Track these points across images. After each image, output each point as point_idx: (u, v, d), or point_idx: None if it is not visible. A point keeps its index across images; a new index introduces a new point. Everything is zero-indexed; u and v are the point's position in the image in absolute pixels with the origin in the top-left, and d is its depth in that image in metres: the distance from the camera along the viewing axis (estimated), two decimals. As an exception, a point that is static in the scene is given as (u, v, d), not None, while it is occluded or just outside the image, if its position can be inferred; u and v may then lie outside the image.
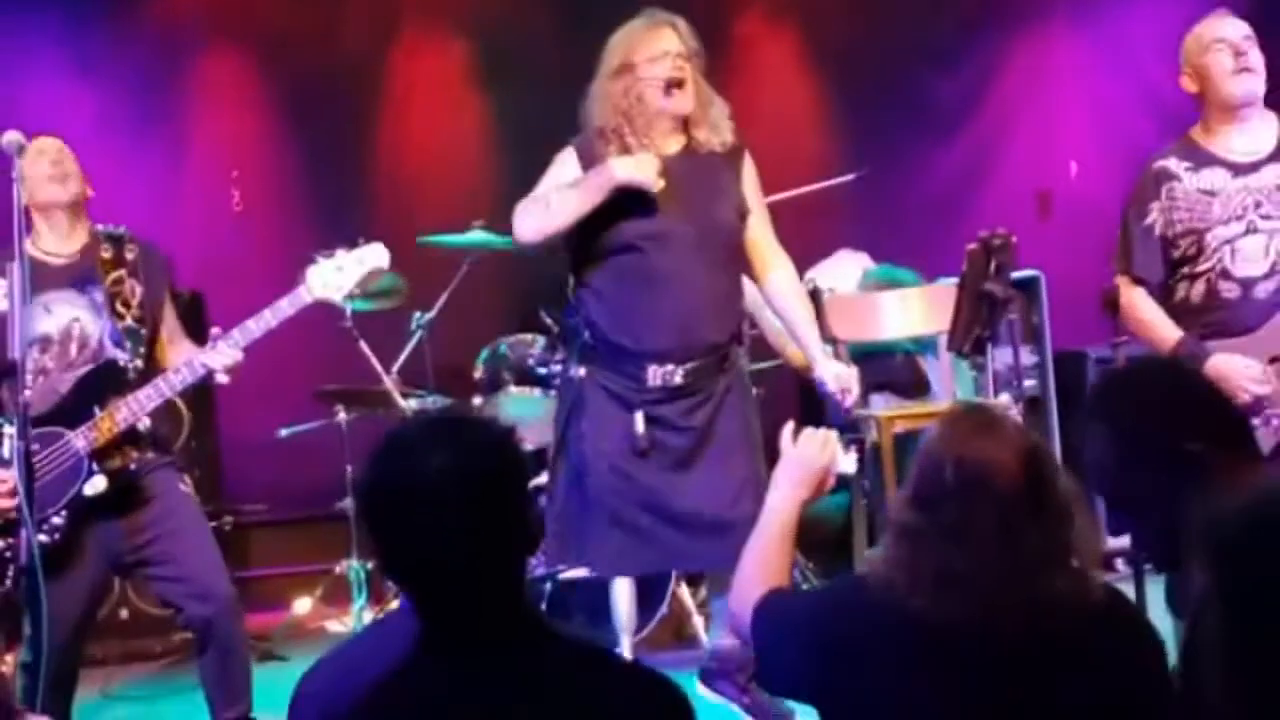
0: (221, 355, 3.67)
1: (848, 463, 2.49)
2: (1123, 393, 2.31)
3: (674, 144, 3.70)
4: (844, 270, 5.64)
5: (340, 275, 3.76)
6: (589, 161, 3.67)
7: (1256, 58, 3.66)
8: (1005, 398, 4.15)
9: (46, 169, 3.72)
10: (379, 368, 5.09)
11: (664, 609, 4.73)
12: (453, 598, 1.79)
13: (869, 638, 2.02)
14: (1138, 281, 3.72)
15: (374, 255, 3.80)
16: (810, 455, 2.38)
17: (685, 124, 3.71)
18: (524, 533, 1.83)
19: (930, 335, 5.11)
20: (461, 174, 6.37)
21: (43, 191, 3.72)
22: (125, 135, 6.25)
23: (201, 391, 5.60)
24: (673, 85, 3.64)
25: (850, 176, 5.52)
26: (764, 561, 2.37)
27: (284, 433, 5.37)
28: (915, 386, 5.31)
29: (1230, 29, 3.69)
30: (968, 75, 6.53)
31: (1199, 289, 3.67)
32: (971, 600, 1.95)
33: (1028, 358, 5.47)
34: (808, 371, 4.36)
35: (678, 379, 3.63)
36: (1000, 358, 5.00)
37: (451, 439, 1.80)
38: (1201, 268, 3.66)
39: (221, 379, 3.73)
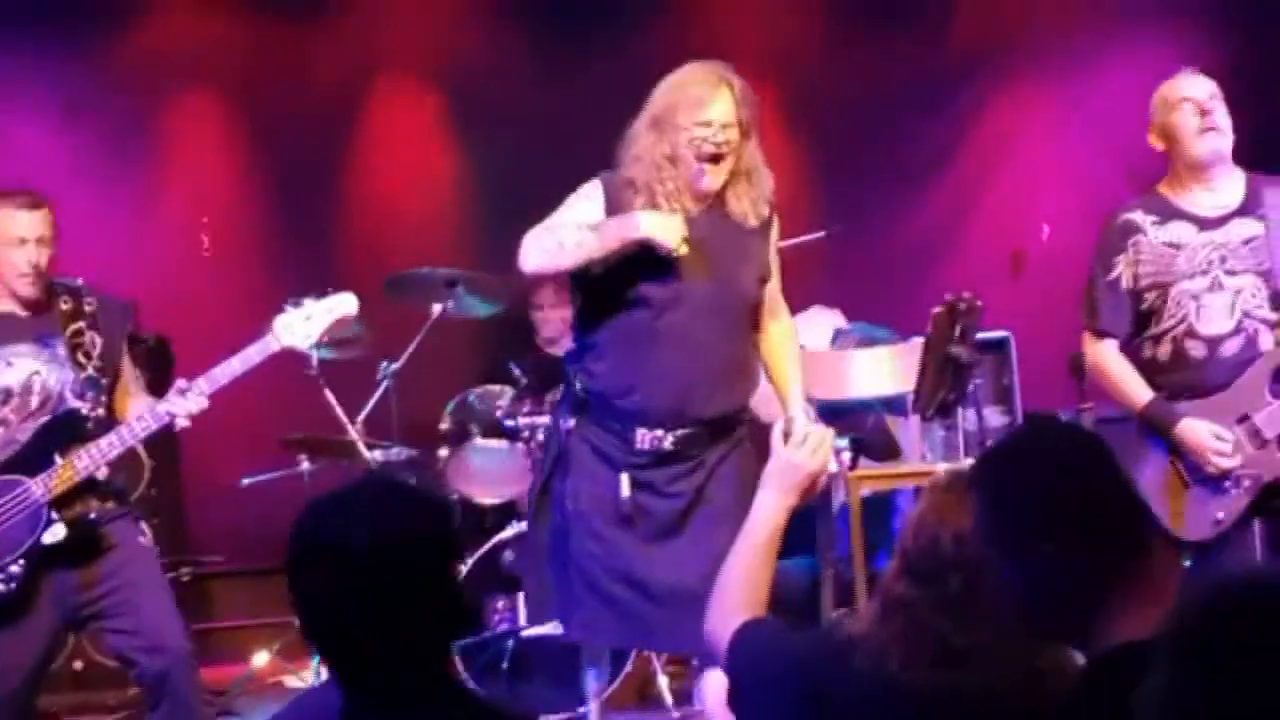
0: (186, 402, 3.65)
1: (832, 462, 2.42)
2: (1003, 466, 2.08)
3: (699, 207, 3.51)
4: (816, 327, 5.61)
5: (308, 324, 3.74)
6: (614, 202, 3.49)
7: (1222, 116, 3.68)
8: (969, 462, 4.11)
9: (23, 265, 3.69)
10: (344, 417, 5.03)
11: (628, 667, 4.67)
12: (372, 669, 1.73)
13: (856, 703, 1.96)
14: (1104, 335, 3.72)
15: (343, 304, 3.78)
16: (801, 460, 2.28)
17: (721, 189, 3.52)
18: (451, 608, 1.78)
19: (900, 395, 5.08)
20: (433, 222, 6.34)
21: (12, 280, 3.71)
22: (99, 178, 6.21)
23: (164, 438, 5.53)
24: (711, 159, 3.45)
25: (821, 234, 5.51)
26: (747, 572, 2.29)
27: (247, 481, 5.29)
28: (886, 448, 5.27)
29: (1196, 88, 3.71)
30: (941, 133, 6.53)
31: (1165, 349, 3.66)
32: (974, 676, 1.89)
33: (998, 419, 5.45)
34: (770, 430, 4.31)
35: (667, 445, 3.50)
36: (972, 419, 5.00)
37: (383, 507, 1.75)
38: (1166, 324, 3.65)
39: (183, 423, 3.69)
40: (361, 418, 5.11)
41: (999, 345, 5.50)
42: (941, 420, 4.29)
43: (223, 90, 6.30)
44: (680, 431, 3.50)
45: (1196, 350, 3.63)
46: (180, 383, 3.70)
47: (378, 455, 5.04)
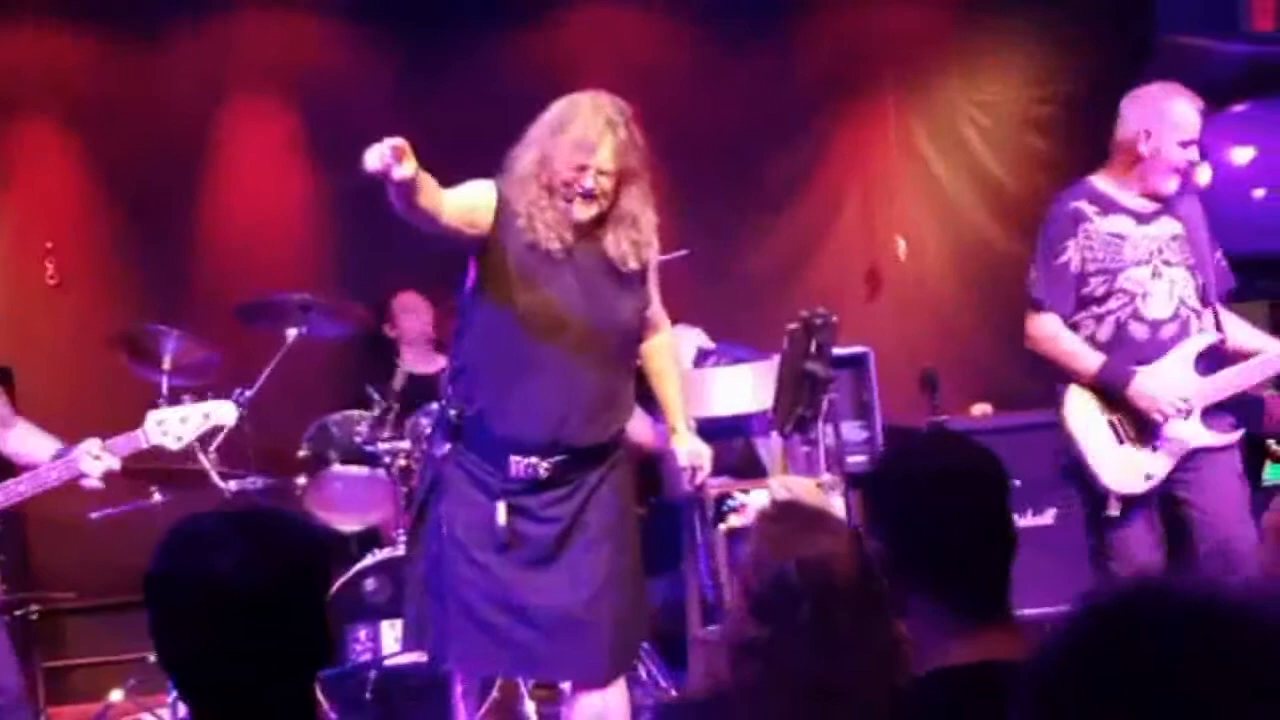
0: (101, 465, 3.62)
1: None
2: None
3: (576, 236, 3.49)
4: (680, 346, 5.62)
5: (182, 426, 3.72)
6: (504, 208, 3.46)
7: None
8: (827, 477, 4.16)
9: None
10: (196, 446, 4.89)
11: (494, 692, 4.62)
12: (232, 703, 1.68)
13: None
14: (1048, 311, 4.04)
15: (221, 413, 3.73)
16: None
17: (602, 227, 3.51)
18: (316, 640, 1.74)
19: (761, 413, 5.10)
20: (289, 245, 6.22)
21: None
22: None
23: (8, 472, 5.36)
24: (582, 197, 3.44)
25: (682, 253, 5.51)
26: None
27: (96, 515, 5.13)
28: (750, 465, 5.30)
29: (1197, 128, 4.01)
30: (798, 151, 6.59)
31: (1107, 328, 4.02)
32: (848, 706, 1.88)
33: (858, 433, 5.51)
34: (641, 450, 4.32)
35: (541, 471, 3.49)
36: (831, 435, 5.04)
37: (244, 537, 1.71)
38: (1110, 306, 4.00)
39: (94, 484, 3.67)
40: (215, 447, 4.97)
41: (858, 361, 5.57)
42: (802, 437, 4.32)
43: (66, 112, 6.10)
44: (555, 459, 3.49)
45: (1140, 332, 4.00)
46: (91, 445, 3.66)
47: (232, 485, 4.93)
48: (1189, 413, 3.97)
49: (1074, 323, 4.04)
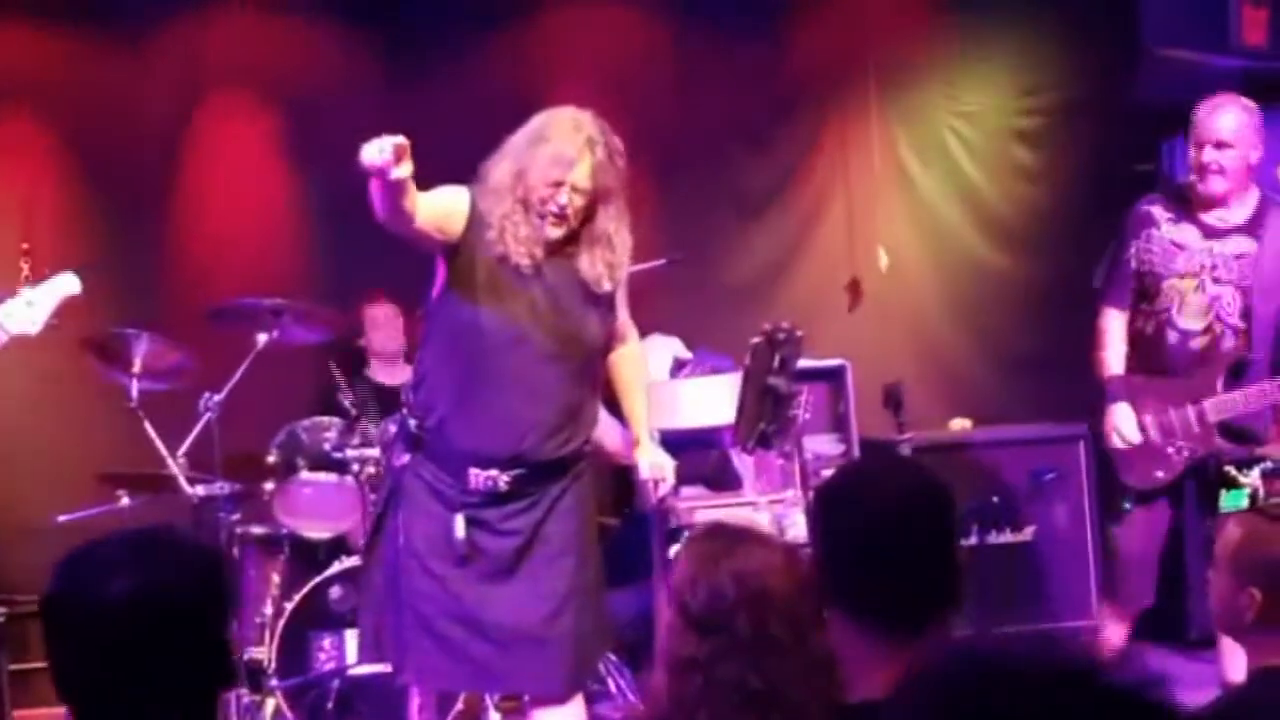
0: None
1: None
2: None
3: (546, 252, 3.44)
4: (655, 355, 5.58)
5: (31, 310, 3.69)
6: (477, 219, 3.42)
7: (1229, 158, 4.22)
8: (790, 493, 4.13)
9: None
10: (164, 451, 4.85)
11: (459, 704, 4.58)
12: None
13: None
14: (1111, 305, 4.42)
15: (64, 283, 3.73)
16: None
17: (575, 246, 3.47)
18: (213, 663, 1.71)
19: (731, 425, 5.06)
20: (261, 250, 6.17)
21: None
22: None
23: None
24: (555, 216, 3.40)
25: (660, 261, 5.48)
26: None
27: (63, 518, 5.08)
28: (726, 479, 5.25)
29: (1212, 130, 4.23)
30: (780, 159, 6.55)
31: (1151, 326, 4.39)
32: (787, 716, 1.86)
33: (834, 447, 5.47)
34: (614, 459, 4.28)
35: (501, 484, 3.45)
36: (811, 447, 5.01)
37: (141, 560, 1.68)
38: (1156, 307, 4.36)
39: None
40: (183, 451, 4.93)
41: (834, 374, 5.53)
42: (769, 452, 4.29)
43: (43, 111, 6.05)
44: (515, 472, 3.46)
45: (1172, 338, 4.35)
46: None
47: (200, 490, 4.88)
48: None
49: (1131, 314, 4.41)
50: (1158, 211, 4.36)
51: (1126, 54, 5.99)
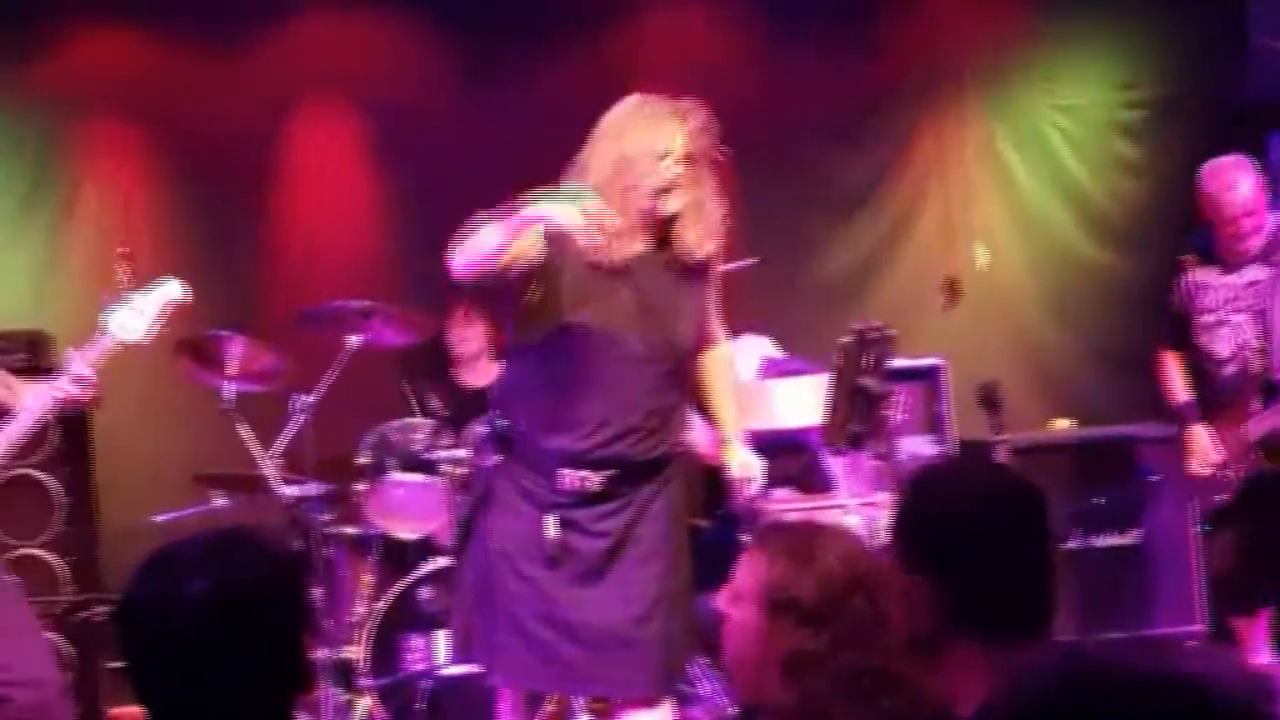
0: (68, 380, 3.62)
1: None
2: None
3: (647, 244, 3.41)
4: (745, 356, 5.52)
5: (141, 317, 3.75)
6: (554, 232, 3.36)
7: (1251, 223, 4.52)
8: (880, 496, 4.04)
9: None
10: (257, 452, 4.89)
11: (548, 706, 4.55)
12: None
13: None
14: (1165, 348, 4.76)
15: (169, 290, 3.78)
16: None
17: (671, 224, 3.44)
18: (288, 669, 1.68)
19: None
20: (354, 250, 6.22)
21: None
22: (10, 209, 6.09)
23: (79, 476, 5.42)
24: (666, 190, 3.38)
25: (751, 261, 5.41)
26: None
27: (160, 519, 5.15)
28: (818, 481, 5.18)
29: (1234, 203, 4.50)
30: (873, 157, 6.46)
31: (1194, 360, 4.71)
32: (909, 695, 1.83)
33: (930, 448, 5.37)
34: (706, 461, 4.24)
35: (593, 485, 3.42)
36: (906, 448, 4.93)
37: (218, 562, 1.67)
38: (1199, 342, 4.67)
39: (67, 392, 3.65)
40: (276, 452, 4.96)
41: (929, 373, 5.43)
42: (861, 452, 4.21)
43: (137, 119, 6.15)
44: (607, 473, 3.42)
45: (1210, 367, 4.67)
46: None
47: (293, 490, 4.91)
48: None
49: (1180, 353, 4.76)
50: (1190, 259, 4.71)
51: (1231, 46, 5.84)
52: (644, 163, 3.36)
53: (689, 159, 3.40)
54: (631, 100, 3.48)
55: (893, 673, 1.85)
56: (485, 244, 3.28)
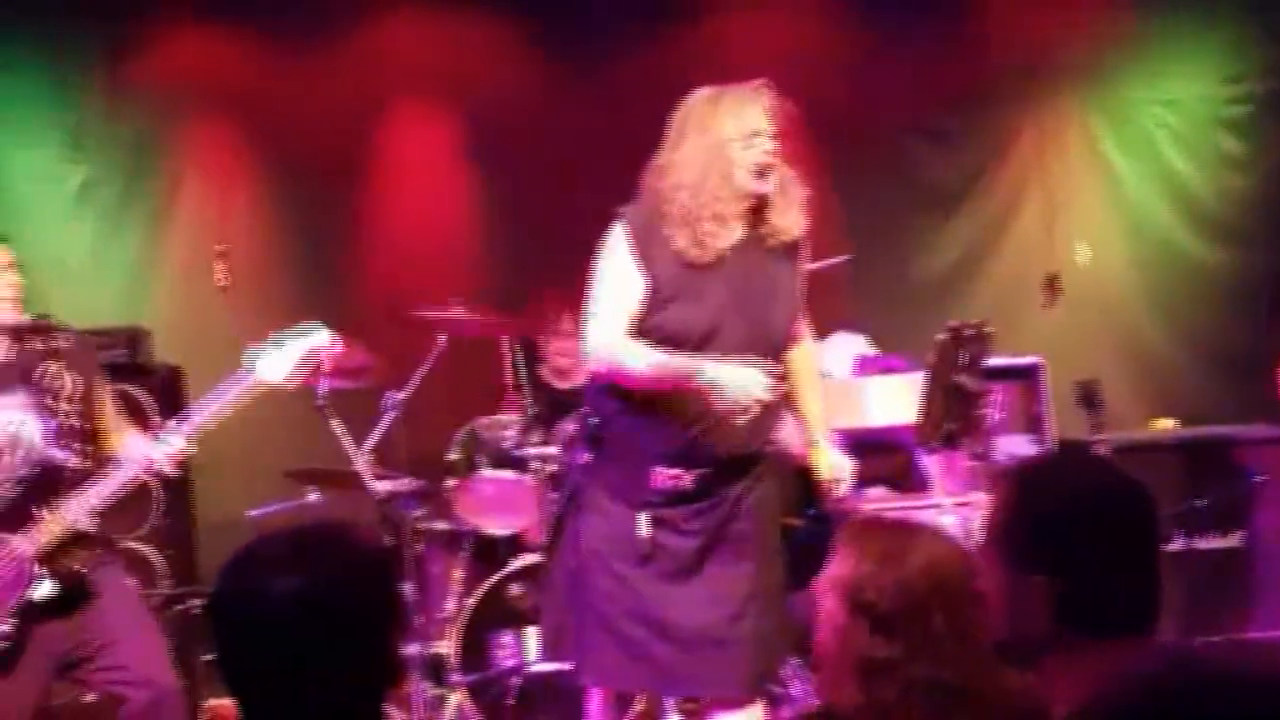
0: (167, 447, 3.58)
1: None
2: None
3: (742, 230, 3.39)
4: (839, 353, 5.47)
5: (287, 363, 3.68)
6: (643, 244, 3.35)
7: None
8: (975, 495, 3.96)
9: (5, 289, 3.62)
10: (350, 448, 4.91)
11: (638, 705, 4.53)
12: None
13: None
14: None
15: (318, 339, 3.68)
16: None
17: (761, 205, 3.42)
18: (377, 664, 1.67)
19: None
20: (445, 249, 6.24)
21: None
22: (109, 205, 6.19)
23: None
24: (765, 169, 3.36)
25: (843, 258, 5.34)
26: None
27: (254, 513, 5.20)
28: (906, 479, 5.11)
29: None
30: (972, 154, 6.39)
31: None
32: (988, 708, 1.79)
33: (1028, 447, 5.28)
34: (794, 459, 4.18)
35: (686, 483, 3.38)
36: (1004, 448, 4.83)
37: (306, 558, 1.66)
38: None
39: (163, 465, 3.63)
40: (368, 448, 4.99)
41: (1028, 372, 5.33)
42: (969, 452, 4.14)
43: (234, 117, 6.24)
44: (700, 471, 3.39)
45: None
46: (170, 424, 3.67)
47: (384, 486, 4.93)
48: None
49: None
50: None
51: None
52: (739, 146, 3.34)
53: (775, 139, 3.39)
54: (701, 94, 3.44)
55: (970, 688, 1.82)
56: (635, 372, 3.31)
